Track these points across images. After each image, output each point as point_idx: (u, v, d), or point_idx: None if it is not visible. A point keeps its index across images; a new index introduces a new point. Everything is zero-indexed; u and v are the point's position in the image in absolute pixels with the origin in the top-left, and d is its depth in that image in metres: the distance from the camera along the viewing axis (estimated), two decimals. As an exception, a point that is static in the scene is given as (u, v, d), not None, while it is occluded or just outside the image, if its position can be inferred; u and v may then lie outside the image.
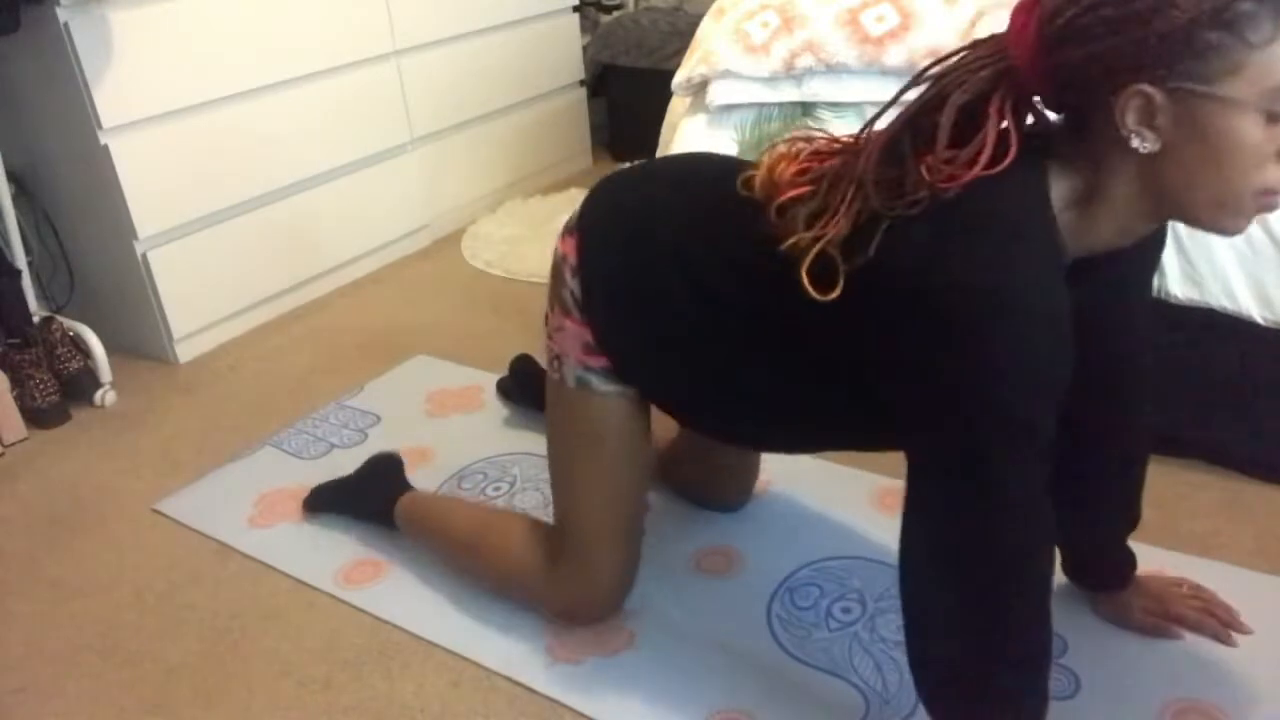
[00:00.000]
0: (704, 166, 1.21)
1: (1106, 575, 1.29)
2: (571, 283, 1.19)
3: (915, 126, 0.92)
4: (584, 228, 1.20)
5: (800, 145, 1.04)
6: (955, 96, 0.89)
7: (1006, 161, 0.87)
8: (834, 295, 0.92)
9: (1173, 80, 0.80)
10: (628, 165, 1.27)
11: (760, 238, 1.00)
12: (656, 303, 1.13)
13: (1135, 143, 0.84)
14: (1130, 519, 1.26)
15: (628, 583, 1.32)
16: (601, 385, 1.21)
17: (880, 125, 0.97)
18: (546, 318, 1.27)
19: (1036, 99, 0.91)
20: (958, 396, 0.86)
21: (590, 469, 1.25)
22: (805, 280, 0.93)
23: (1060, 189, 0.90)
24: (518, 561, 1.35)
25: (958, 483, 0.90)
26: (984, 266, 0.84)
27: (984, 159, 0.87)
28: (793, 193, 0.98)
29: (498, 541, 1.38)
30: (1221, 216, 0.86)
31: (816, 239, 0.93)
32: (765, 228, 0.99)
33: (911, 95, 0.95)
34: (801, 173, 0.99)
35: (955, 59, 0.93)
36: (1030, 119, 0.93)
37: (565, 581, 1.30)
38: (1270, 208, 0.86)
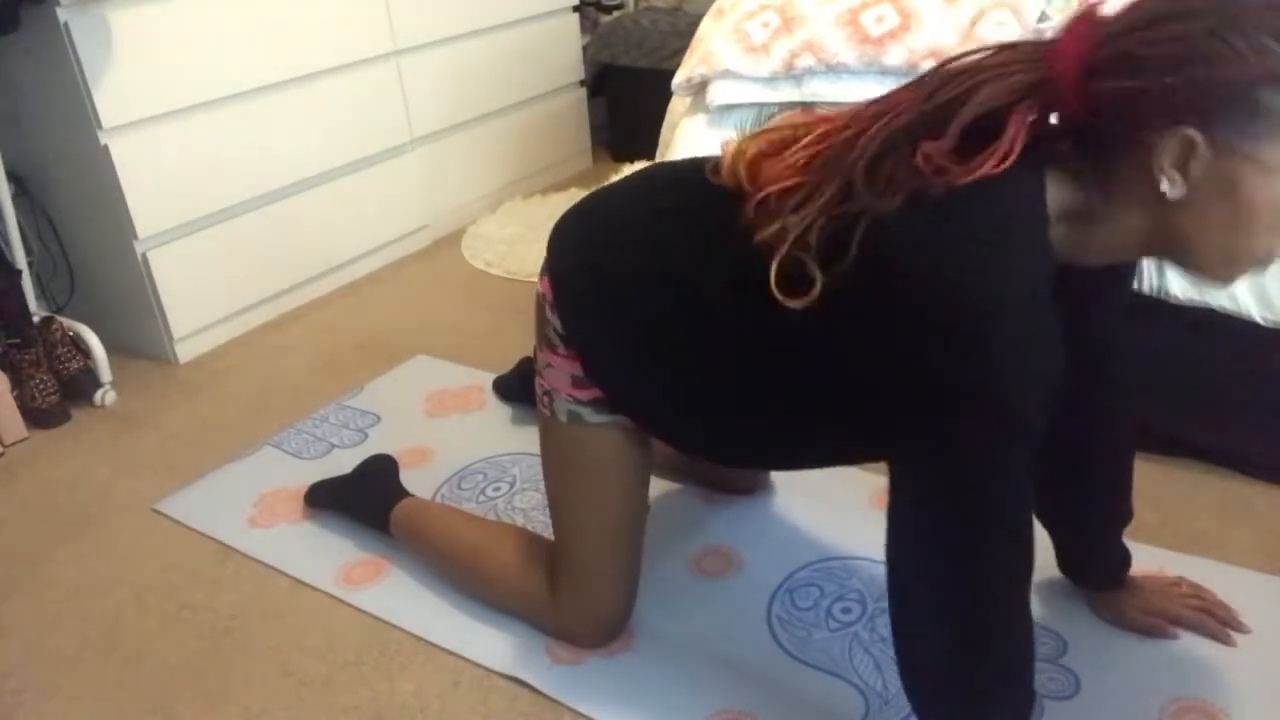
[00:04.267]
0: (665, 170, 1.18)
1: (1101, 573, 1.29)
2: (552, 318, 1.17)
3: (929, 119, 0.87)
4: (553, 262, 1.18)
5: (786, 134, 0.99)
6: (982, 96, 0.85)
7: (1006, 164, 0.84)
8: (806, 301, 0.89)
9: (1220, 132, 0.78)
10: (585, 195, 1.23)
11: (741, 232, 0.95)
12: (634, 313, 1.10)
13: (1165, 186, 0.81)
14: (1121, 515, 1.26)
15: (627, 610, 1.32)
16: (593, 418, 1.19)
17: (885, 109, 0.92)
18: (535, 357, 1.25)
19: (1055, 117, 0.88)
20: (959, 401, 0.85)
21: (587, 504, 1.24)
22: (773, 281, 0.90)
23: (1058, 200, 0.88)
24: (516, 588, 1.35)
25: (954, 484, 0.89)
26: (982, 269, 0.83)
27: (988, 166, 0.84)
28: (777, 187, 0.93)
29: (495, 564, 1.37)
30: (1223, 270, 0.87)
31: (788, 230, 0.89)
32: (743, 222, 0.94)
33: (927, 86, 0.90)
34: (790, 168, 0.94)
35: (986, 57, 0.88)
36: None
37: (565, 611, 1.30)
38: (1265, 266, 0.86)
